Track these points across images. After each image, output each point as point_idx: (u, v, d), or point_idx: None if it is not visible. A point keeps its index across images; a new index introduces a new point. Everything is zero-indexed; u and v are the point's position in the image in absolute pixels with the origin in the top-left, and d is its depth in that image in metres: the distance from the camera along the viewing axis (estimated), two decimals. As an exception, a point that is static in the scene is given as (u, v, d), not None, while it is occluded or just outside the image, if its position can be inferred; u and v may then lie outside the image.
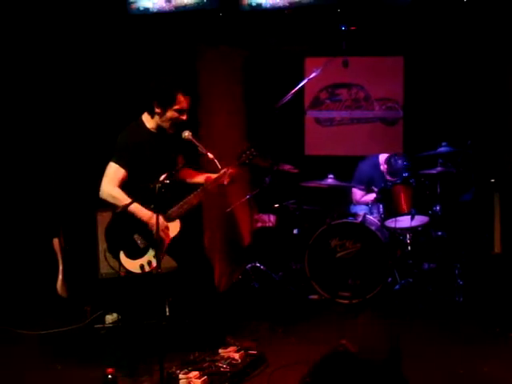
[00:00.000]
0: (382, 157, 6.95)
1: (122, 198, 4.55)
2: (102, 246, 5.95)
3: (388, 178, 6.75)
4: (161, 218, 4.46)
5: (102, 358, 4.94)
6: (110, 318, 5.90)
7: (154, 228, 4.31)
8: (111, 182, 4.61)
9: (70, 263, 6.18)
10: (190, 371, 4.33)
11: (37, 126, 6.57)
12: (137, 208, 4.58)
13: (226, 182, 4.76)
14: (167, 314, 5.81)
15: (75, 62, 6.60)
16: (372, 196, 6.73)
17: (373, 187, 6.70)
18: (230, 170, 4.73)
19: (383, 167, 6.87)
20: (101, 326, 5.84)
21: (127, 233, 4.65)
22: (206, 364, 4.46)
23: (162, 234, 4.54)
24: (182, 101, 4.65)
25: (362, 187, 6.90)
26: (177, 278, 4.86)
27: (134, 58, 6.61)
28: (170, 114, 4.65)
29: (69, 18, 6.46)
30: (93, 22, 6.47)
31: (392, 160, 6.69)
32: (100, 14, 6.48)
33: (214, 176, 4.79)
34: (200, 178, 4.91)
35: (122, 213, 4.50)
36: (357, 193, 7.00)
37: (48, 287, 6.12)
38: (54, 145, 6.60)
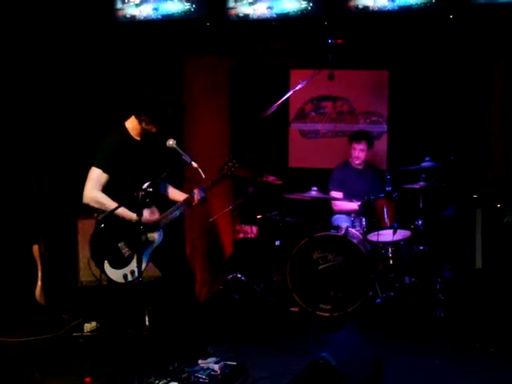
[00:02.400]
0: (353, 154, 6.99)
1: (106, 202, 4.55)
2: (83, 253, 5.93)
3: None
4: (147, 211, 4.58)
5: (80, 367, 4.89)
6: (88, 327, 5.83)
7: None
8: (94, 186, 4.61)
9: (50, 270, 6.12)
10: (168, 382, 4.29)
11: (18, 131, 6.52)
12: (124, 211, 4.56)
13: (193, 205, 4.79)
14: (147, 323, 5.76)
15: (60, 67, 6.58)
16: (350, 205, 6.73)
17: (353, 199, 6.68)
18: (198, 195, 4.73)
19: (356, 155, 6.93)
20: (79, 334, 5.77)
21: (112, 241, 4.63)
22: (185, 375, 4.43)
23: (150, 218, 4.62)
24: (170, 114, 4.71)
25: (340, 193, 6.91)
26: (159, 287, 4.84)
27: (120, 64, 6.60)
28: (156, 123, 4.68)
29: (55, 24, 6.44)
30: (80, 28, 6.46)
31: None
32: (87, 21, 6.47)
33: (183, 198, 4.83)
34: (178, 196, 4.93)
35: (107, 220, 4.47)
36: (334, 202, 6.98)
37: (26, 294, 6.05)
38: (36, 151, 6.56)
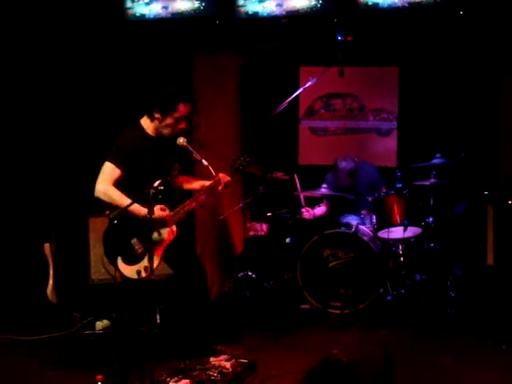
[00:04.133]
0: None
1: (117, 197, 4.55)
2: (94, 251, 5.95)
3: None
4: (157, 207, 4.53)
5: (92, 364, 4.90)
6: (100, 325, 5.86)
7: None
8: (106, 180, 4.62)
9: (61, 269, 6.13)
10: (180, 379, 4.29)
11: (29, 130, 6.55)
12: (135, 208, 4.56)
13: (220, 189, 4.79)
14: (158, 321, 5.78)
15: (71, 66, 6.61)
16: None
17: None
18: (224, 178, 4.74)
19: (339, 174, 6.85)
20: (91, 332, 5.80)
21: (125, 238, 4.64)
22: (197, 372, 4.42)
23: (160, 213, 4.59)
24: (182, 110, 4.68)
25: (323, 208, 6.94)
26: (170, 285, 4.84)
27: (130, 63, 6.61)
28: (169, 121, 4.67)
29: (66, 23, 6.47)
30: (90, 27, 6.48)
31: (337, 161, 6.71)
32: (97, 20, 6.48)
33: (208, 183, 4.80)
34: (196, 185, 4.92)
35: (119, 217, 4.48)
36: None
37: (38, 293, 6.07)
38: (47, 149, 6.58)
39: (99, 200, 4.67)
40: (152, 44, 6.66)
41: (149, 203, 4.23)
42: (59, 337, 5.69)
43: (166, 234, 4.68)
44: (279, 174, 6.74)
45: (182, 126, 4.71)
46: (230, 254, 7.33)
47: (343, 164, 6.68)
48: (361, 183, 6.77)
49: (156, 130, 4.74)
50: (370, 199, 6.51)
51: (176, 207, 4.74)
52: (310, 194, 6.69)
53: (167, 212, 4.68)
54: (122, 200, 4.55)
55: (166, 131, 4.71)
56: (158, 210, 4.60)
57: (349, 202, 6.81)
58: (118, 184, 4.64)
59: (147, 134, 4.75)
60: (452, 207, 6.71)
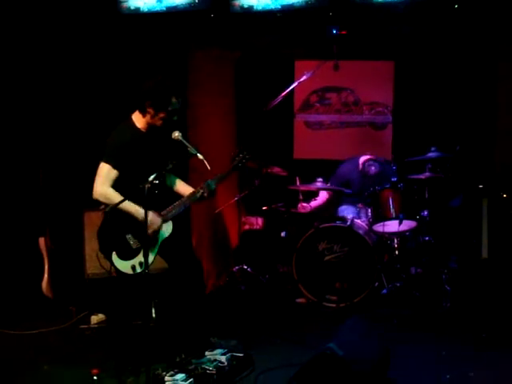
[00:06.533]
0: (362, 158, 6.91)
1: (116, 199, 4.52)
2: (89, 246, 5.95)
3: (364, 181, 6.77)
4: (154, 215, 4.49)
5: (88, 358, 4.91)
6: (95, 319, 5.87)
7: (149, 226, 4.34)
8: (104, 182, 4.58)
9: (56, 263, 6.14)
10: (176, 373, 4.31)
11: (25, 124, 6.54)
12: (133, 207, 4.55)
13: (205, 194, 4.76)
14: (153, 315, 5.77)
15: (65, 60, 6.59)
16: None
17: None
18: (205, 192, 4.73)
19: (361, 168, 6.84)
20: (86, 326, 5.80)
21: (120, 233, 4.63)
22: (192, 366, 4.44)
23: (153, 230, 4.55)
24: (175, 103, 4.66)
25: (325, 195, 6.94)
26: (166, 280, 4.84)
27: (124, 57, 6.60)
28: (162, 114, 4.65)
29: (60, 16, 6.45)
30: (84, 20, 6.46)
31: (366, 164, 6.71)
32: (91, 13, 6.46)
33: (189, 191, 4.81)
34: (185, 190, 4.91)
35: (115, 213, 4.47)
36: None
37: (33, 287, 6.07)
38: (42, 143, 6.57)
39: (97, 201, 4.65)
40: (146, 38, 6.64)
41: (145, 198, 4.22)
42: (54, 331, 5.69)
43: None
44: (277, 170, 6.73)
45: (174, 118, 4.70)
46: (225, 247, 7.34)
47: (373, 169, 6.66)
48: (375, 182, 6.74)
49: (148, 124, 4.72)
50: (366, 193, 6.53)
51: (171, 203, 4.73)
52: (305, 187, 6.69)
53: (157, 219, 4.67)
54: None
55: (159, 123, 4.69)
56: (155, 216, 4.58)
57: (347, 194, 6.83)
58: (115, 183, 4.62)
59: (138, 130, 4.72)
60: (447, 201, 6.72)
